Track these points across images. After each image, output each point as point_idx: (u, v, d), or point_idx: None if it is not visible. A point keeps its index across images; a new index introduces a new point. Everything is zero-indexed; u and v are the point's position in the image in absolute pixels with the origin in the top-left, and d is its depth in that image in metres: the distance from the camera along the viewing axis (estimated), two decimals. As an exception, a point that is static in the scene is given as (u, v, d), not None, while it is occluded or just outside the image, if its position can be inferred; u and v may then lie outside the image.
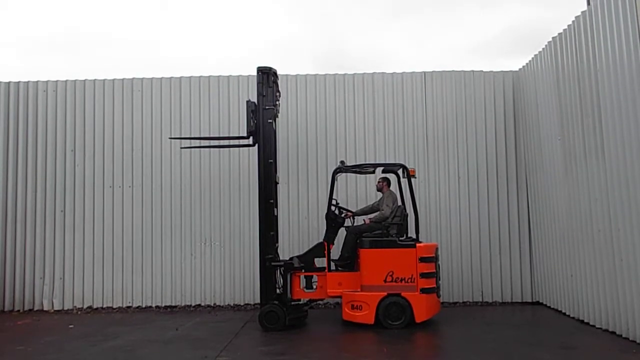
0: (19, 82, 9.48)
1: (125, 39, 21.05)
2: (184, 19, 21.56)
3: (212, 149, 9.18)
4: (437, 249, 7.67)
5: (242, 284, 9.20)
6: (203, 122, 9.41)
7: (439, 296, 7.58)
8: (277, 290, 7.51)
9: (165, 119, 9.43)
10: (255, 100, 7.69)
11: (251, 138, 7.76)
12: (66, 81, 9.50)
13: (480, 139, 9.34)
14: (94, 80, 9.51)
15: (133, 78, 9.51)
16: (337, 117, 9.42)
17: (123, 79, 9.51)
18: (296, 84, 9.45)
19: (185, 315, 8.52)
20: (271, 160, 7.60)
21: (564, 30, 7.60)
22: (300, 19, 21.24)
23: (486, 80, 9.43)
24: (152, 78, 9.51)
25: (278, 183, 7.99)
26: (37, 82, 9.49)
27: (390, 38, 20.99)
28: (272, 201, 7.56)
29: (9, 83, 9.46)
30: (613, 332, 6.52)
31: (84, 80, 9.51)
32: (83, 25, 20.82)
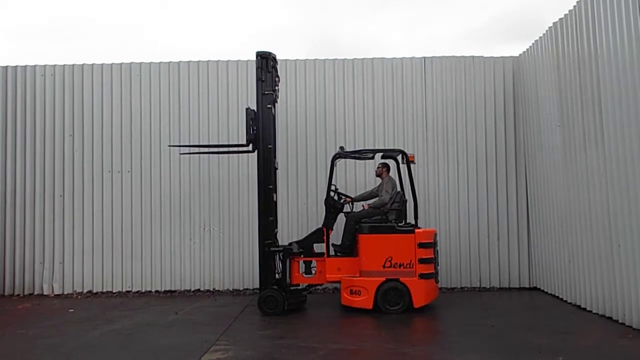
0: (16, 66, 9.42)
1: (115, 24, 20.81)
2: (177, 7, 21.34)
3: (210, 127, 9.32)
4: (435, 234, 7.70)
5: (242, 269, 9.24)
6: (202, 107, 9.38)
7: (437, 281, 7.62)
8: (276, 276, 7.55)
9: (164, 103, 9.39)
10: (255, 104, 7.63)
11: (251, 145, 7.72)
12: (64, 65, 9.45)
13: (479, 125, 9.32)
14: (92, 64, 9.46)
15: (131, 62, 9.46)
16: (336, 103, 9.39)
17: (121, 64, 9.45)
18: (295, 69, 9.41)
19: (184, 300, 8.57)
20: (270, 146, 7.58)
21: (565, 15, 7.56)
22: (292, 5, 21.02)
23: (486, 66, 9.39)
24: (151, 63, 9.46)
25: (277, 169, 7.99)
26: (34, 66, 9.43)
27: (382, 26, 20.82)
28: (271, 187, 7.56)
29: (6, 67, 9.41)
30: (610, 318, 6.56)
31: (82, 65, 9.46)
32: (76, 10, 20.58)
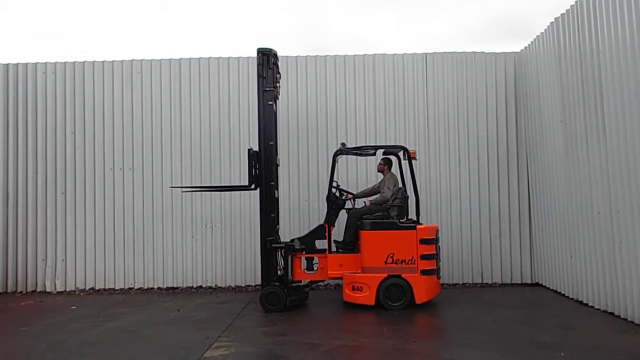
0: (17, 63, 9.43)
1: (115, 25, 20.78)
2: (172, 9, 21.32)
3: (212, 124, 9.35)
4: (437, 230, 7.70)
5: (243, 266, 9.26)
6: (203, 103, 9.39)
7: (439, 277, 7.62)
8: (278, 272, 7.55)
9: (165, 100, 9.40)
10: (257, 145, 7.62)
11: (253, 185, 7.71)
12: (65, 63, 9.45)
13: (481, 121, 9.32)
14: (93, 62, 9.46)
15: (132, 60, 9.46)
16: (337, 99, 9.39)
17: (122, 61, 9.46)
18: (296, 66, 9.40)
19: (186, 297, 8.59)
20: (272, 143, 7.59)
21: (567, 10, 7.54)
22: (289, 7, 21.00)
23: (487, 61, 9.37)
24: (152, 60, 9.46)
25: (279, 165, 7.99)
26: (36, 63, 9.44)
27: (380, 27, 20.78)
28: (272, 183, 7.57)
29: (7, 65, 9.42)
30: (612, 313, 6.57)
31: (83, 62, 9.46)
32: (76, 10, 20.56)
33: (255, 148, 7.70)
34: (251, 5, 21.15)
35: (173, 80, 9.42)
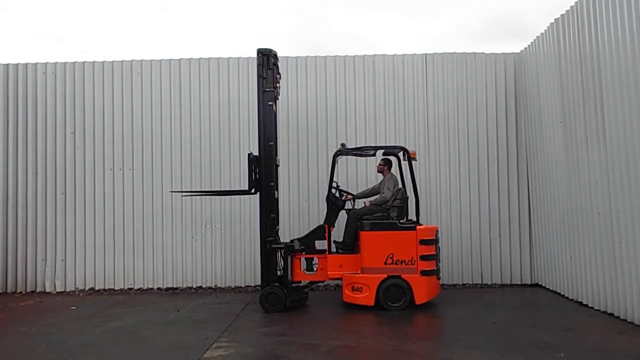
0: (17, 63, 9.43)
1: (115, 25, 20.78)
2: (171, 9, 21.33)
3: (211, 124, 9.35)
4: (437, 231, 7.70)
5: (243, 266, 9.25)
6: (203, 104, 9.39)
7: (438, 278, 7.62)
8: (278, 273, 7.55)
9: (165, 100, 9.40)
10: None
11: (253, 189, 7.69)
12: (65, 63, 9.45)
13: (481, 122, 9.32)
14: (93, 62, 9.46)
15: (132, 60, 9.46)
16: (337, 99, 9.39)
17: (122, 61, 9.46)
18: (296, 66, 9.40)
19: (186, 297, 8.58)
20: (271, 143, 7.58)
21: (567, 11, 7.55)
22: (286, 7, 21.03)
23: (487, 62, 9.37)
24: (152, 60, 9.46)
25: (278, 166, 7.99)
26: (36, 64, 9.44)
27: (379, 26, 20.81)
28: (272, 184, 7.57)
29: (7, 65, 9.42)
30: (612, 314, 6.57)
31: (83, 62, 9.46)
32: (75, 10, 20.57)
33: (255, 149, 7.70)
34: (251, 5, 21.20)
35: (173, 80, 9.43)
